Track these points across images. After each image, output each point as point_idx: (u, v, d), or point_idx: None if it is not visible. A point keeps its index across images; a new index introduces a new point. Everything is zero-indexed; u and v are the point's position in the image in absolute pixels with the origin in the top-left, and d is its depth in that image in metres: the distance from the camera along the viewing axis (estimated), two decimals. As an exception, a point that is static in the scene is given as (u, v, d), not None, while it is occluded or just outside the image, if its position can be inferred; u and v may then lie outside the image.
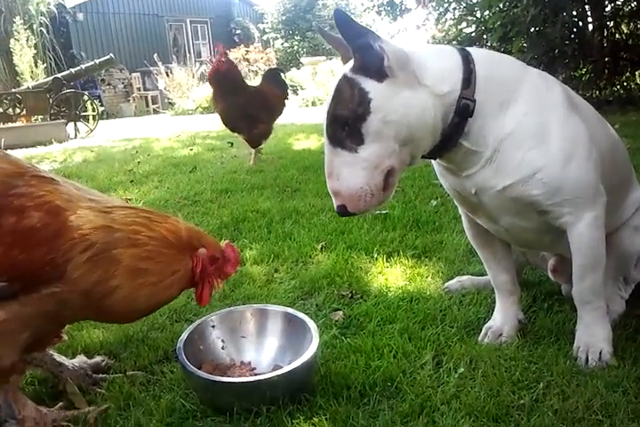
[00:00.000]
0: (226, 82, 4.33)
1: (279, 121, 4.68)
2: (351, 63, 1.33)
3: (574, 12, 6.74)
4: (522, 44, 6.64)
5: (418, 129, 1.32)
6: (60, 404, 1.41)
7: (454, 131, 1.37)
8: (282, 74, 4.90)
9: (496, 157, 1.40)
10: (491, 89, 1.38)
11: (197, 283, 1.34)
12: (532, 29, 6.61)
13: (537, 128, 1.39)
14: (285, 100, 4.80)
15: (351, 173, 1.31)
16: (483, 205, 1.51)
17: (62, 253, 1.16)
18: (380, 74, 1.29)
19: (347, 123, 1.30)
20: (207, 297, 1.36)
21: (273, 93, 4.59)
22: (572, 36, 6.97)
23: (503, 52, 7.33)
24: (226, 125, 4.50)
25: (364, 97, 1.28)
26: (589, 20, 7.05)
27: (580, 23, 6.92)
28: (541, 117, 1.40)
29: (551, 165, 1.38)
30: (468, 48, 1.46)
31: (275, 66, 12.66)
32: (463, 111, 1.36)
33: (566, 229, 1.45)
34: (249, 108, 4.29)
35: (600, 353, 1.47)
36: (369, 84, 1.29)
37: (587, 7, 6.86)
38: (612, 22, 7.28)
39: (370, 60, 1.28)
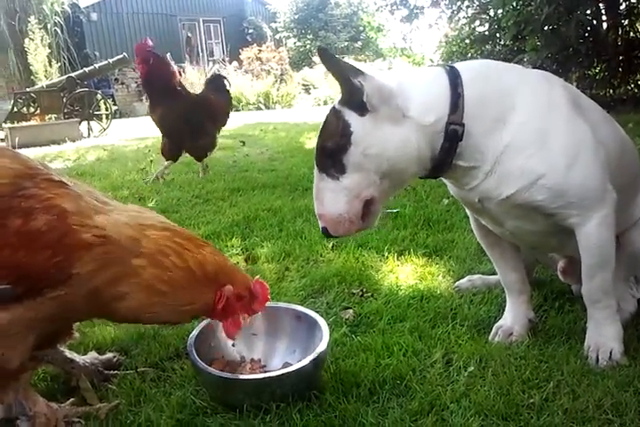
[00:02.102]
0: (160, 84, 3.99)
1: (292, 120, 4.66)
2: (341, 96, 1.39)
3: (588, 11, 6.70)
4: (536, 42, 6.59)
5: (399, 162, 1.37)
6: (72, 400, 1.42)
7: (446, 155, 1.40)
8: (226, 81, 4.57)
9: (496, 168, 1.40)
10: (482, 109, 1.38)
11: (223, 318, 1.33)
12: (546, 28, 6.57)
13: (536, 135, 1.38)
14: (229, 111, 4.50)
15: (333, 200, 1.39)
16: (487, 211, 1.51)
17: (68, 257, 1.17)
18: (361, 108, 1.34)
19: (331, 152, 1.36)
20: (234, 332, 1.35)
21: (217, 103, 4.29)
22: (587, 34, 6.93)
23: (516, 50, 7.32)
24: (165, 133, 4.10)
25: (346, 129, 1.34)
26: (604, 18, 7.01)
27: (595, 22, 6.88)
28: (541, 123, 1.39)
29: (554, 170, 1.37)
30: (459, 66, 1.45)
31: (287, 65, 12.66)
32: (452, 136, 1.37)
33: (575, 229, 1.44)
34: (192, 117, 4.00)
35: (611, 352, 1.46)
36: (352, 118, 1.35)
37: (601, 5, 6.81)
38: (626, 21, 7.23)
39: (351, 94, 1.34)
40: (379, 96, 1.32)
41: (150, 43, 4.04)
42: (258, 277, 1.38)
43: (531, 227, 1.50)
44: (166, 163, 4.09)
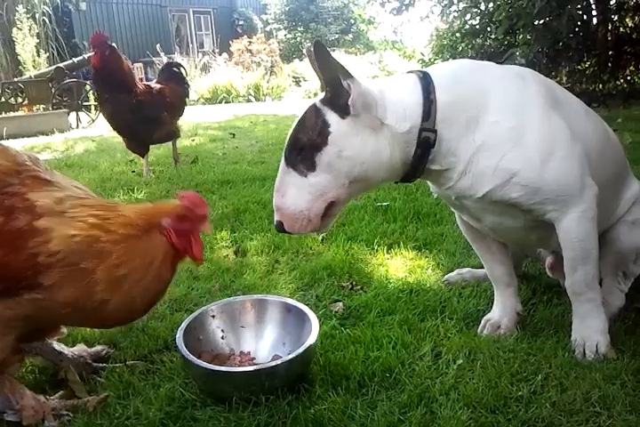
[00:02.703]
0: (112, 79, 3.74)
1: (282, 112, 4.62)
2: (323, 94, 1.38)
3: (578, 6, 6.70)
4: (527, 36, 6.59)
5: (371, 168, 1.37)
6: (61, 392, 1.41)
7: (419, 161, 1.40)
8: (181, 69, 4.35)
9: (470, 168, 1.41)
10: (453, 114, 1.38)
11: (187, 246, 1.32)
12: (538, 22, 6.57)
13: (509, 133, 1.38)
14: (186, 99, 4.31)
15: (295, 195, 1.37)
16: (466, 208, 1.52)
17: (42, 260, 1.16)
18: (344, 110, 1.34)
19: (303, 148, 1.35)
20: (199, 254, 1.34)
21: (172, 91, 4.05)
22: (577, 29, 6.94)
23: (507, 44, 7.33)
24: (117, 130, 3.93)
25: (324, 128, 1.34)
26: (594, 13, 7.01)
27: (585, 16, 6.89)
28: (514, 122, 1.39)
29: (527, 168, 1.38)
30: (432, 71, 1.45)
31: (277, 57, 12.61)
32: (424, 143, 1.38)
33: (554, 224, 1.44)
34: (146, 109, 3.77)
35: (597, 345, 1.47)
36: (332, 118, 1.34)
37: (591, 0, 6.81)
38: (616, 16, 7.24)
39: (337, 94, 1.33)
40: (363, 102, 1.33)
41: (106, 34, 3.86)
42: (177, 192, 1.38)
43: (510, 223, 1.50)
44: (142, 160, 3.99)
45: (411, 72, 1.47)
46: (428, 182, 1.60)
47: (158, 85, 4.06)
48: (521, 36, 6.58)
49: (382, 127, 1.35)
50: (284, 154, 1.40)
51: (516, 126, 1.39)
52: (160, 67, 4.67)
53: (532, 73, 1.51)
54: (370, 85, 1.37)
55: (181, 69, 4.34)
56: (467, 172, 1.41)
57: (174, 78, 4.20)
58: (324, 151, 1.34)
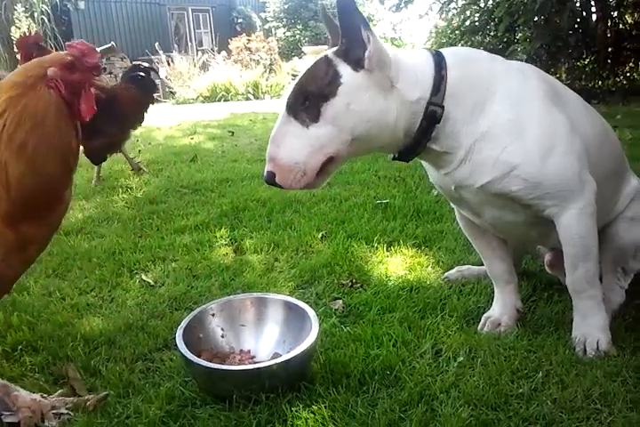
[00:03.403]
0: None
1: (280, 110, 4.58)
2: (335, 48, 1.34)
3: (577, 2, 6.69)
4: (527, 33, 6.58)
5: (376, 127, 1.33)
6: (60, 391, 1.41)
7: (422, 135, 1.38)
8: (151, 73, 3.89)
9: (470, 156, 1.40)
10: (462, 93, 1.38)
11: (69, 101, 1.22)
12: (538, 18, 6.56)
13: (511, 125, 1.38)
14: (149, 104, 3.86)
15: (294, 145, 1.32)
16: (465, 201, 1.51)
17: None
18: (358, 63, 1.30)
19: (309, 97, 1.31)
20: (88, 108, 1.24)
21: (128, 98, 3.60)
22: (576, 25, 6.92)
23: (506, 41, 7.31)
24: None
25: (335, 79, 1.30)
26: (593, 9, 7.00)
27: (584, 13, 6.87)
28: (516, 114, 1.39)
29: (528, 162, 1.38)
30: (445, 50, 1.45)
31: (276, 55, 12.59)
32: (431, 117, 1.36)
33: (554, 220, 1.44)
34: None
35: (597, 342, 1.47)
36: (345, 70, 1.30)
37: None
38: (615, 12, 7.23)
39: (353, 46, 1.30)
40: (378, 58, 1.30)
41: (35, 35, 3.55)
42: (65, 43, 1.27)
43: (510, 218, 1.50)
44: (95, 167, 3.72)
45: (423, 49, 1.47)
46: (429, 172, 1.59)
47: (109, 89, 3.59)
48: (521, 33, 6.56)
49: (392, 90, 1.33)
50: (286, 102, 1.35)
51: (519, 119, 1.39)
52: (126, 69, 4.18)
53: (533, 68, 1.51)
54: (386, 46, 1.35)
55: (152, 74, 3.93)
56: (467, 160, 1.40)
57: (138, 83, 3.74)
58: (332, 102, 1.29)
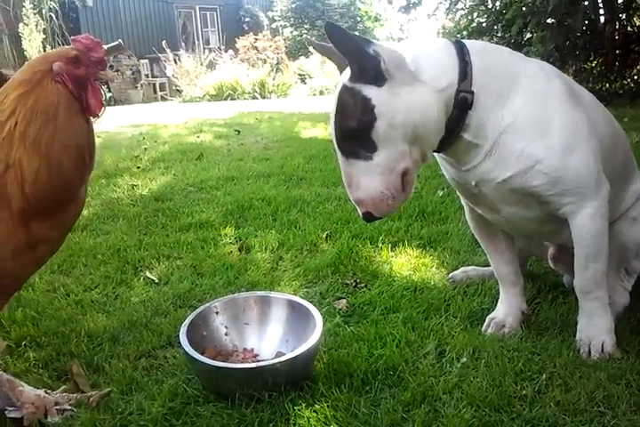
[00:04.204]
0: None
1: (287, 109, 4.59)
2: (348, 73, 1.33)
3: (586, 3, 6.67)
4: (540, 35, 6.54)
5: (423, 126, 1.33)
6: (64, 387, 1.41)
7: (455, 124, 1.38)
8: None
9: (495, 149, 1.40)
10: (487, 80, 1.38)
11: (78, 97, 1.21)
12: (551, 20, 6.53)
13: (536, 120, 1.39)
14: None
15: (370, 181, 1.34)
16: (483, 196, 1.51)
17: None
18: (378, 78, 1.30)
19: (356, 133, 1.31)
20: (96, 103, 1.23)
21: None
22: (584, 27, 6.90)
23: (514, 43, 7.29)
24: None
25: (367, 104, 1.30)
26: (601, 12, 6.98)
27: (593, 15, 6.85)
28: (541, 109, 1.40)
29: (551, 157, 1.38)
30: (462, 40, 1.45)
31: (283, 54, 12.60)
32: (462, 104, 1.36)
33: (568, 219, 1.44)
34: None
35: (602, 345, 1.47)
36: (369, 91, 1.30)
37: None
38: (624, 15, 7.21)
39: (367, 66, 1.29)
40: (393, 63, 1.29)
41: None
42: (71, 38, 1.25)
43: (526, 214, 1.50)
44: None
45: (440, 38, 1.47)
46: (446, 170, 1.59)
47: None
48: (534, 35, 6.53)
49: (419, 85, 1.32)
50: (337, 149, 1.36)
51: (543, 115, 1.39)
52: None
53: (553, 68, 1.52)
54: (393, 46, 1.35)
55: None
56: (492, 153, 1.40)
57: None
58: (377, 126, 1.29)
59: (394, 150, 1.32)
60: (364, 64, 1.29)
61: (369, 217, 1.38)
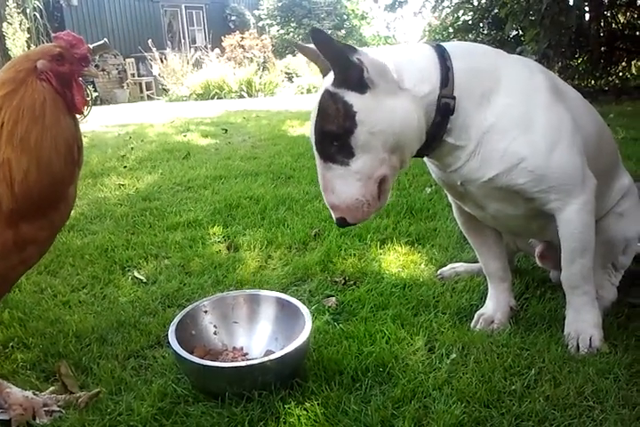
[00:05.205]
0: None
1: (274, 108, 4.59)
2: (331, 78, 1.33)
3: (571, 1, 6.70)
4: (534, 33, 6.55)
5: (404, 135, 1.34)
6: (52, 388, 1.40)
7: (438, 129, 1.39)
8: None
9: (479, 149, 1.40)
10: (469, 83, 1.38)
11: (62, 94, 1.20)
12: (545, 18, 6.54)
13: (519, 118, 1.39)
14: None
15: (345, 186, 1.34)
16: (469, 194, 1.51)
17: None
18: (361, 86, 1.30)
19: (335, 138, 1.31)
20: (80, 100, 1.23)
21: None
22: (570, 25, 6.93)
23: (500, 40, 7.32)
24: None
25: (348, 110, 1.30)
26: (586, 9, 7.02)
27: (577, 12, 6.89)
28: (524, 107, 1.40)
29: (535, 154, 1.38)
30: (443, 43, 1.46)
31: (270, 52, 12.58)
32: (444, 110, 1.37)
33: (555, 215, 1.45)
34: None
35: (590, 339, 1.48)
36: (352, 97, 1.30)
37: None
38: (608, 12, 7.25)
39: (350, 73, 1.29)
40: (375, 71, 1.29)
41: None
42: (54, 35, 1.25)
43: (513, 211, 1.50)
44: None
45: (421, 43, 1.47)
46: (432, 170, 1.59)
47: None
48: (528, 33, 6.54)
49: (402, 93, 1.33)
50: (316, 151, 1.36)
51: (526, 112, 1.39)
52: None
53: (535, 63, 1.53)
54: (376, 53, 1.35)
55: None
56: (476, 153, 1.40)
57: None
58: (357, 133, 1.29)
59: (372, 158, 1.32)
60: (348, 71, 1.29)
61: (342, 223, 1.38)
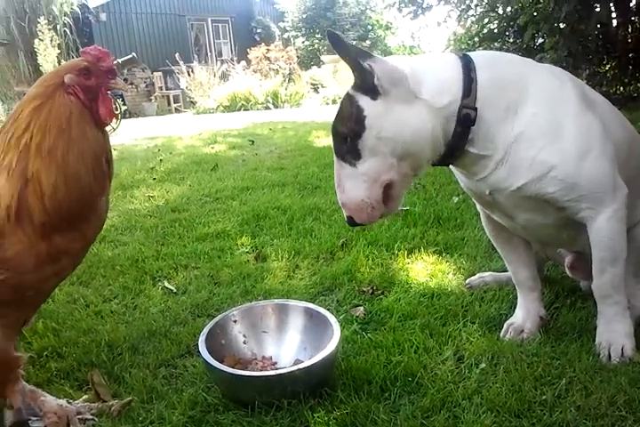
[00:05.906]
0: None
1: (300, 119, 4.61)
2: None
3: (598, 8, 6.65)
4: (554, 41, 6.52)
5: (414, 144, 1.35)
6: (85, 396, 1.43)
7: (459, 140, 1.39)
8: None
9: (507, 158, 1.40)
10: (493, 94, 1.38)
11: (89, 107, 1.22)
12: (563, 26, 6.51)
13: (548, 126, 1.39)
14: None
15: (353, 186, 1.37)
16: (498, 204, 1.51)
17: None
18: (373, 91, 1.33)
19: (346, 138, 1.35)
20: (107, 112, 1.24)
21: None
22: (597, 31, 6.88)
23: (526, 48, 7.28)
24: None
25: (359, 114, 1.33)
26: (613, 15, 6.95)
27: (604, 19, 6.83)
28: (553, 115, 1.40)
29: (565, 163, 1.38)
30: (471, 53, 1.46)
31: (295, 64, 12.65)
32: (465, 120, 1.37)
33: (586, 223, 1.44)
34: None
35: (622, 349, 1.46)
36: (364, 102, 1.33)
37: (611, 3, 6.75)
38: (636, 17, 7.17)
39: (363, 77, 1.33)
40: (389, 79, 1.31)
41: None
42: (81, 50, 1.27)
43: (543, 220, 1.49)
44: None
45: (448, 52, 1.48)
46: (460, 178, 1.60)
47: None
48: (547, 40, 6.50)
49: (417, 102, 1.34)
50: (333, 148, 1.40)
51: (555, 121, 1.39)
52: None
53: (564, 72, 1.52)
54: (398, 61, 1.37)
55: None
56: (504, 162, 1.40)
57: None
58: (364, 137, 1.33)
59: (379, 162, 1.35)
60: (361, 74, 1.33)
61: (351, 221, 1.41)
